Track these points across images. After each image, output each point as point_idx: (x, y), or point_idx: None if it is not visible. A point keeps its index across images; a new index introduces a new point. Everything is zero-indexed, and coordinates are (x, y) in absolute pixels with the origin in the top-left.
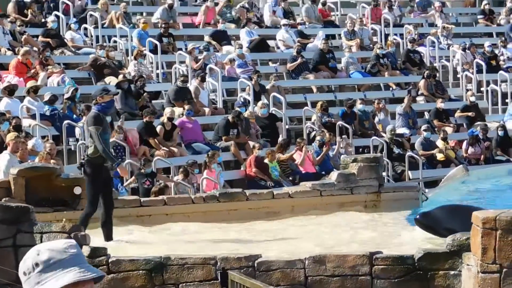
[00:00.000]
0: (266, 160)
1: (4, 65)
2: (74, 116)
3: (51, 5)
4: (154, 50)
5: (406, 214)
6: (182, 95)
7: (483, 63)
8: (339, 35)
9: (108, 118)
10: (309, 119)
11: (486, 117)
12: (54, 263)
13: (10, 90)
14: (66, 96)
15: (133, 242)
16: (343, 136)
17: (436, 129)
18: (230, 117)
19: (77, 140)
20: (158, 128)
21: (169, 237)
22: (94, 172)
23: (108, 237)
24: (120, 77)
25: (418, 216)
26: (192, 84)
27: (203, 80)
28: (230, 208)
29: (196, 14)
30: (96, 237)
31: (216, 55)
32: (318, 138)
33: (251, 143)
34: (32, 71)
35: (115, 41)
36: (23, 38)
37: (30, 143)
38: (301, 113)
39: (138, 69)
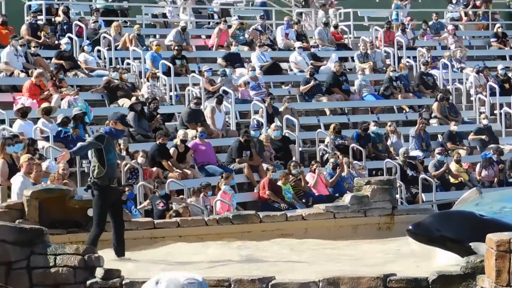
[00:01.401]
0: (279, 183)
1: (17, 87)
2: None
3: (65, 27)
4: (167, 72)
5: None
6: (195, 117)
7: (496, 86)
8: (352, 57)
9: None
10: (322, 141)
11: (500, 139)
12: None
13: (23, 112)
14: (73, 115)
15: (147, 263)
16: (350, 160)
17: (449, 151)
18: (242, 138)
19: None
20: (171, 150)
21: (182, 259)
22: (101, 193)
23: (119, 253)
24: (133, 99)
25: (410, 227)
26: (208, 106)
27: (219, 102)
28: (244, 230)
29: (209, 36)
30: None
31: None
32: (331, 160)
33: (264, 166)
34: (46, 93)
35: (128, 63)
36: (36, 60)
37: (44, 165)
38: (314, 135)
39: (152, 91)
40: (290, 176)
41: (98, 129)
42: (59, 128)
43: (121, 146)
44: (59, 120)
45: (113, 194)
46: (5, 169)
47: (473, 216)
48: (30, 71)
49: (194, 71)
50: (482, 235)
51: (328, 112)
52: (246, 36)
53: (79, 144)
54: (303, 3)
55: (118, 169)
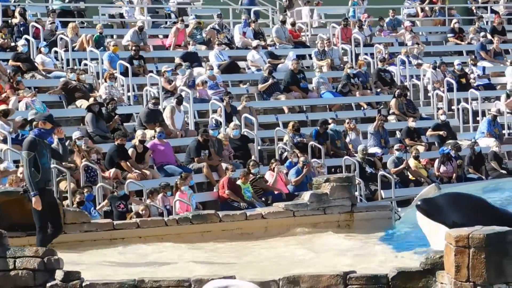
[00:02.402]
0: (239, 182)
1: None
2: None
3: (21, 29)
4: (125, 73)
5: (379, 236)
6: (153, 117)
7: (453, 82)
8: (310, 55)
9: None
10: (281, 139)
11: (458, 135)
12: None
13: None
14: (29, 118)
15: (106, 265)
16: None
17: (408, 148)
18: (200, 137)
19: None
20: (130, 151)
21: (142, 260)
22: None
23: (42, 242)
24: (91, 100)
25: (419, 203)
26: (168, 106)
27: (179, 103)
28: (204, 230)
29: (166, 36)
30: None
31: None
32: (295, 159)
33: (223, 165)
34: (4, 95)
35: (85, 64)
36: None
37: (2, 166)
38: (273, 133)
39: (109, 92)
40: (250, 175)
41: (27, 135)
42: (18, 131)
43: (83, 145)
44: (17, 121)
45: (50, 197)
46: None
47: (484, 203)
48: None
49: (152, 71)
50: (489, 223)
51: (286, 110)
52: (204, 35)
53: (25, 172)
54: (287, 2)
55: (77, 172)
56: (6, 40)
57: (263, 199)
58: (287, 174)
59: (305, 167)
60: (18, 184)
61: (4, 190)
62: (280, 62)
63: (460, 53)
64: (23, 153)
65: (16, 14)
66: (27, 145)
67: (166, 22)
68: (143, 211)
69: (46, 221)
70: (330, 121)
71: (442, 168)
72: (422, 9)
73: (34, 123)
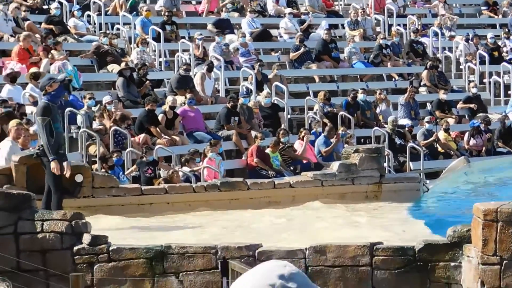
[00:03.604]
0: (268, 150)
1: (6, 52)
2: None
3: None
4: (157, 38)
5: (407, 206)
6: (184, 83)
7: (486, 55)
8: (342, 25)
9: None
10: (311, 109)
11: (488, 108)
12: None
13: (13, 77)
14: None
15: (133, 230)
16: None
17: (438, 120)
18: (229, 104)
19: (79, 127)
20: (160, 117)
21: (169, 226)
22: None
23: (58, 205)
24: (123, 64)
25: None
26: (198, 73)
27: (210, 70)
28: (231, 198)
29: (199, 2)
30: (96, 224)
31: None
32: (319, 129)
33: (253, 133)
34: (35, 57)
35: (118, 29)
36: (26, 25)
37: (31, 129)
38: (303, 102)
39: (141, 57)
40: (280, 144)
41: (39, 102)
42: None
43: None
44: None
45: (63, 161)
46: None
47: None
48: (17, 36)
49: (184, 37)
50: None
51: (317, 80)
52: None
53: (42, 138)
54: None
55: (107, 136)
56: (36, 2)
57: (291, 168)
58: (312, 142)
59: (334, 138)
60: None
61: (32, 153)
62: (313, 31)
63: (493, 26)
64: (38, 119)
65: None
66: (41, 110)
67: None
68: (172, 176)
69: (60, 182)
70: (360, 91)
71: (472, 141)
72: None
73: (43, 92)
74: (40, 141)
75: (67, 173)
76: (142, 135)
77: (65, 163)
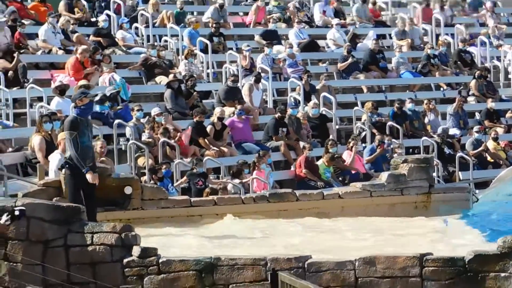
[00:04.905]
0: (319, 162)
1: (55, 65)
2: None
3: (102, 4)
4: (204, 50)
5: (457, 217)
6: (232, 95)
7: None
8: (390, 35)
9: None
10: (359, 119)
11: None
12: None
13: (61, 90)
14: (107, 94)
15: (183, 242)
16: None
17: (487, 129)
18: (278, 115)
19: (128, 139)
20: (208, 128)
21: (219, 237)
22: (72, 174)
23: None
24: (171, 76)
25: None
26: (246, 84)
27: (257, 81)
28: (280, 209)
29: (246, 13)
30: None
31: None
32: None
33: (301, 144)
34: (89, 69)
35: (166, 41)
36: (75, 37)
37: None
38: (351, 113)
39: (189, 69)
40: (335, 159)
41: (66, 117)
42: (97, 107)
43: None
44: (97, 98)
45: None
46: (42, 146)
47: None
48: (75, 48)
49: (231, 49)
50: None
51: (365, 90)
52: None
53: (70, 151)
54: None
55: (156, 148)
56: (84, 15)
57: (340, 178)
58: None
59: (379, 146)
60: (97, 160)
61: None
62: (360, 41)
63: None
64: (66, 134)
65: None
66: (69, 125)
67: (246, 0)
68: (221, 191)
69: (79, 197)
70: (408, 101)
71: None
72: None
73: (72, 105)
74: (66, 153)
75: (95, 181)
76: (191, 147)
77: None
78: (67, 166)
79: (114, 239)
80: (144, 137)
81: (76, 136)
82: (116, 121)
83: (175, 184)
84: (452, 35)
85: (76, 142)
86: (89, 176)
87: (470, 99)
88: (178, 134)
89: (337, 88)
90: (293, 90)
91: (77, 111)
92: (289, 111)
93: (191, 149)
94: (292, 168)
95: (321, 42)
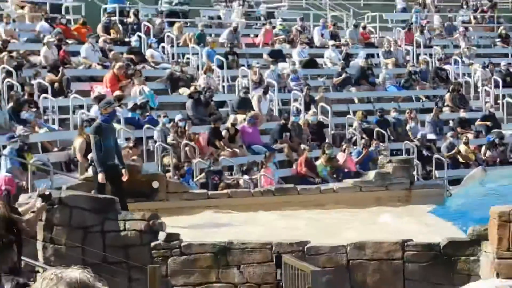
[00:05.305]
0: (318, 162)
1: (94, 78)
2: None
3: (134, 27)
4: (221, 66)
5: (431, 208)
6: (244, 104)
7: (500, 79)
8: (378, 54)
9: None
10: (351, 125)
11: (502, 125)
12: None
13: (100, 100)
14: (138, 103)
15: (202, 228)
16: (376, 142)
17: (459, 135)
18: (282, 122)
19: (155, 141)
20: (223, 133)
21: (232, 225)
22: (96, 172)
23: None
24: (192, 88)
25: None
26: (256, 95)
27: (265, 92)
28: (284, 201)
29: (256, 35)
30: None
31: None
32: (363, 141)
33: (302, 146)
34: (125, 81)
35: (188, 58)
36: (111, 54)
37: None
38: (344, 120)
39: (207, 82)
40: (332, 160)
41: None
42: (129, 113)
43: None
44: (129, 106)
45: (113, 171)
46: (83, 147)
47: None
48: (112, 64)
49: (243, 65)
50: None
51: (356, 101)
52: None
53: (92, 152)
54: None
55: (179, 149)
56: (118, 36)
57: (334, 175)
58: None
59: (364, 149)
60: (127, 158)
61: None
62: (352, 59)
63: (506, 55)
64: (91, 137)
65: (131, 14)
66: (93, 129)
67: (256, 24)
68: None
69: (104, 191)
70: (392, 110)
71: (488, 153)
72: (475, 17)
73: (99, 111)
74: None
75: (125, 178)
76: (209, 148)
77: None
78: (92, 164)
79: (143, 226)
80: (169, 139)
81: (100, 139)
82: (145, 126)
83: (195, 180)
84: (430, 55)
85: (100, 144)
86: (100, 177)
87: (445, 109)
88: (197, 137)
89: (332, 99)
90: (295, 100)
91: (102, 118)
92: (292, 118)
93: (208, 150)
94: (294, 167)
95: (319, 60)
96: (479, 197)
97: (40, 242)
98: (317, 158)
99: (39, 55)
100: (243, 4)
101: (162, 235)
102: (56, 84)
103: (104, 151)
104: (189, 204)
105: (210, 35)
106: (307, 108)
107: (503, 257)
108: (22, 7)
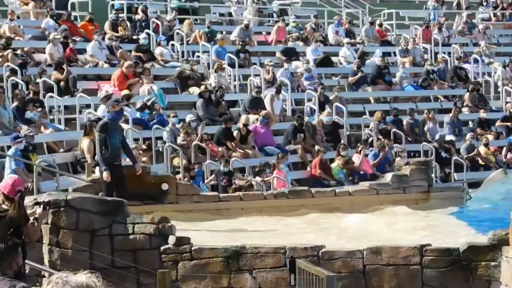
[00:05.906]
0: (334, 164)
1: (101, 76)
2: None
3: (143, 24)
4: (232, 64)
5: (452, 211)
6: (256, 104)
7: None
8: (394, 52)
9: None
10: (367, 126)
11: None
12: None
13: (108, 99)
14: (148, 103)
15: (213, 232)
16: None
17: (479, 136)
18: (296, 122)
19: (164, 142)
20: (235, 133)
21: (244, 228)
22: (102, 171)
23: None
24: (202, 87)
25: None
26: (268, 94)
27: (278, 92)
28: (298, 204)
29: (269, 33)
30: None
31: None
32: (378, 143)
33: (316, 147)
34: (132, 80)
35: (198, 56)
36: (119, 53)
37: None
38: (360, 121)
39: (218, 81)
40: (349, 163)
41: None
42: (138, 113)
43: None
44: (138, 106)
45: (116, 171)
46: (91, 148)
47: None
48: (121, 63)
49: (255, 64)
50: None
51: (372, 101)
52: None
53: (96, 150)
54: None
55: (189, 150)
56: (126, 33)
57: (350, 178)
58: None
59: (381, 151)
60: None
61: (125, 165)
62: (368, 58)
63: None
64: (96, 135)
65: (139, 11)
66: (99, 128)
67: (269, 21)
68: (247, 188)
69: (112, 191)
70: (408, 111)
71: (509, 155)
72: (495, 14)
73: (107, 109)
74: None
75: (139, 172)
76: (220, 149)
77: (136, 165)
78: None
79: (152, 229)
80: (179, 140)
81: (106, 137)
82: (155, 126)
83: (205, 182)
84: (449, 54)
85: (105, 143)
86: (105, 175)
87: (464, 109)
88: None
89: (347, 99)
90: (309, 100)
91: (109, 116)
92: (306, 118)
93: (220, 151)
94: (308, 169)
95: (334, 59)
96: (499, 200)
97: (46, 246)
98: (331, 160)
99: (44, 52)
100: (258, 1)
101: (172, 239)
102: (62, 83)
103: (110, 149)
104: (199, 207)
105: (221, 32)
106: (321, 108)
107: None
108: (27, 3)
